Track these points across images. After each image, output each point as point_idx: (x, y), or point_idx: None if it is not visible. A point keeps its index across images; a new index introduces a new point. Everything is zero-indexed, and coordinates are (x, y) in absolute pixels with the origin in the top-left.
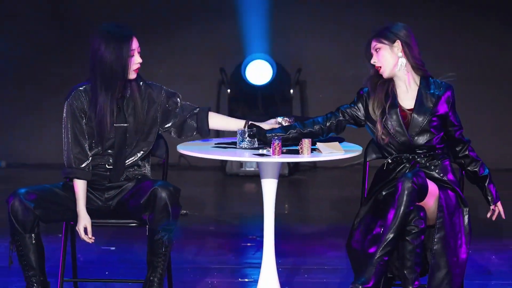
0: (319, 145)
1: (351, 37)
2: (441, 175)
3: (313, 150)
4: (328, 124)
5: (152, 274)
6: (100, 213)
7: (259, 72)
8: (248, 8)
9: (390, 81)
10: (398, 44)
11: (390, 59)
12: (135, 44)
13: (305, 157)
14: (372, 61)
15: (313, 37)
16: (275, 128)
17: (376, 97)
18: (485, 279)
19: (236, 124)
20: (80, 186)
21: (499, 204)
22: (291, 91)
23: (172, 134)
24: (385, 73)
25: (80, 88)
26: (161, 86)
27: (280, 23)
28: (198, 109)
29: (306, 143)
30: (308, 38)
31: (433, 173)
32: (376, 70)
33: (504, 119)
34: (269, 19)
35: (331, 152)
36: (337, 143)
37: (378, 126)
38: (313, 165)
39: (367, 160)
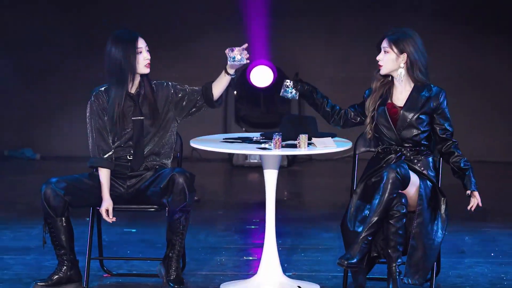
0: (314, 140)
1: (341, 45)
2: (422, 169)
3: (309, 144)
4: (340, 119)
5: (171, 251)
6: (122, 199)
7: (261, 75)
8: (252, 20)
9: (391, 82)
10: (404, 56)
11: (391, 65)
12: (141, 43)
13: (302, 150)
14: (377, 57)
15: (308, 45)
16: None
17: (373, 95)
18: (459, 257)
19: (224, 79)
20: (104, 174)
21: (476, 193)
22: None
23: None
24: (382, 71)
25: (101, 89)
26: (167, 82)
27: (280, 33)
28: (201, 88)
29: (303, 138)
30: (304, 46)
31: (416, 166)
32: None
33: (481, 116)
34: (270, 30)
35: (325, 146)
36: (329, 138)
37: (367, 120)
38: (309, 158)
39: (356, 153)
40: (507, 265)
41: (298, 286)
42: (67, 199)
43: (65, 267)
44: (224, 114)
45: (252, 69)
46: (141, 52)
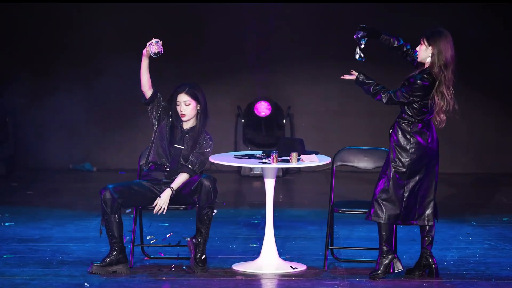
0: (302, 156)
1: (324, 86)
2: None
3: (298, 159)
4: (407, 55)
5: (200, 236)
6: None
7: (262, 108)
8: (256, 65)
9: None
10: (430, 49)
11: (423, 54)
12: (180, 98)
13: (293, 164)
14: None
15: (299, 84)
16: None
17: None
18: (411, 244)
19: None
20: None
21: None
22: (284, 121)
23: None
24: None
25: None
26: (207, 139)
27: (277, 75)
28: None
29: (294, 155)
30: (295, 85)
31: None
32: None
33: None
34: (269, 73)
35: (310, 161)
36: (314, 155)
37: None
38: (298, 170)
39: (334, 166)
40: (446, 250)
41: (290, 266)
42: (120, 201)
43: (115, 252)
44: (234, 136)
45: (256, 103)
46: (178, 105)
